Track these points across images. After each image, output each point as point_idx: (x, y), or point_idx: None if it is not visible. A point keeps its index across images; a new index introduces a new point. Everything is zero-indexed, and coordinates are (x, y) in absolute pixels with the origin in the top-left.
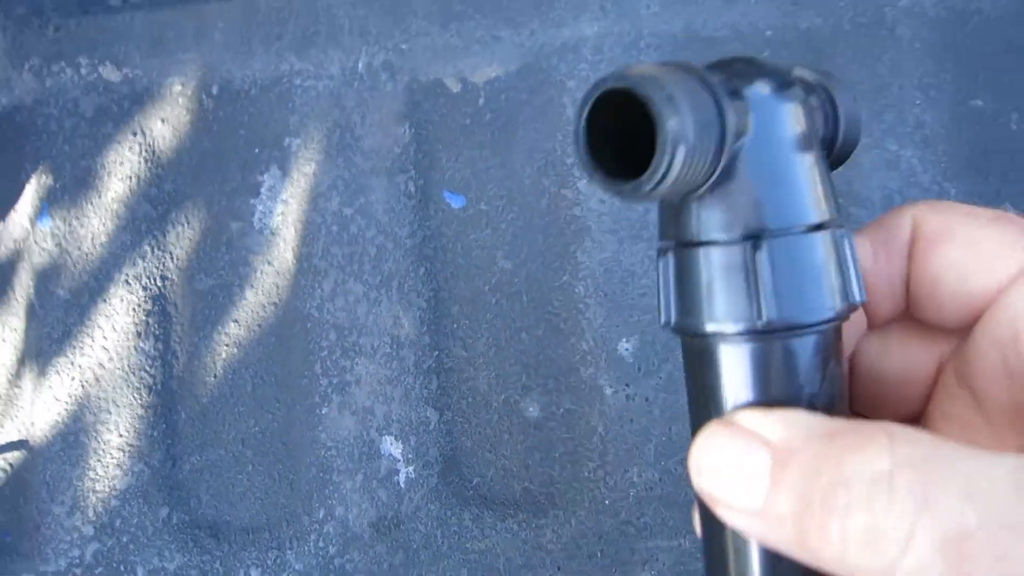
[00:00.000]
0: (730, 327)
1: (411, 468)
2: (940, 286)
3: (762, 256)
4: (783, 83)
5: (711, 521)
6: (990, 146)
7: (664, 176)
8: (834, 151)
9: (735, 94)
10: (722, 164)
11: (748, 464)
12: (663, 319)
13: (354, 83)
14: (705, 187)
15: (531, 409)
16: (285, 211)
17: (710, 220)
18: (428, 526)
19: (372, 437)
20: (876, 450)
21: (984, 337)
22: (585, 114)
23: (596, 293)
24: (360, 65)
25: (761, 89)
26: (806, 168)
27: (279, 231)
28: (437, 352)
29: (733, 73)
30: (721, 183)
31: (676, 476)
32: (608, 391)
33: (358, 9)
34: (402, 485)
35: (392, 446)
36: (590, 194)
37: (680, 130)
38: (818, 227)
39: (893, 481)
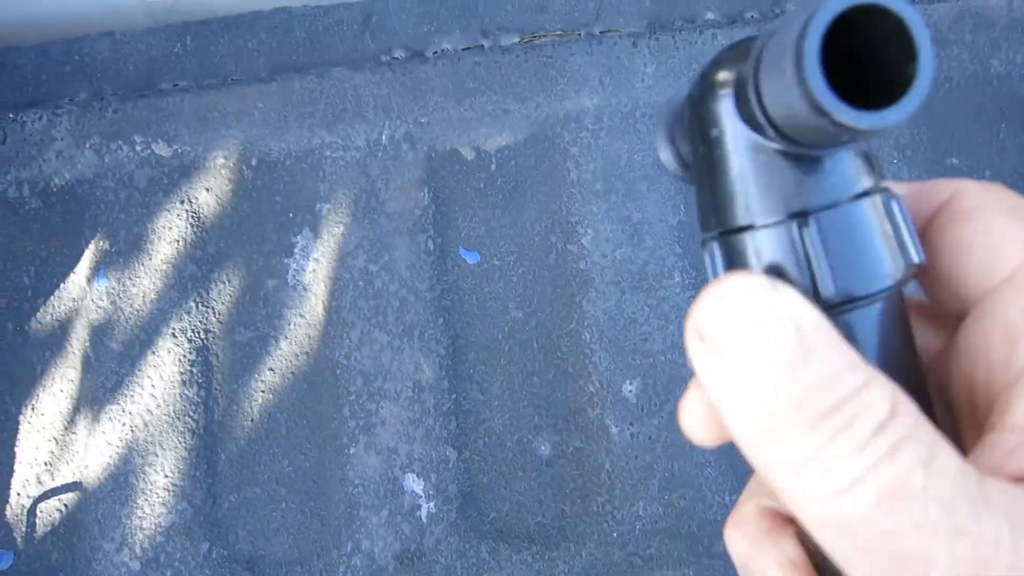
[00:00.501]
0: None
1: (432, 503)
2: (939, 267)
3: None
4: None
5: None
6: None
7: (920, 95)
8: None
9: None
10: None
11: (772, 331)
12: (826, 292)
13: (378, 153)
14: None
15: (543, 448)
16: (316, 268)
17: (857, 171)
18: (448, 558)
19: (396, 475)
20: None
21: (963, 342)
22: (823, 31)
23: (601, 339)
24: (383, 137)
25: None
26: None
27: (311, 287)
28: (455, 395)
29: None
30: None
31: (679, 509)
32: (614, 430)
33: (382, 88)
34: (424, 520)
35: (414, 483)
36: (593, 248)
37: (932, 45)
38: (864, 194)
39: (896, 445)
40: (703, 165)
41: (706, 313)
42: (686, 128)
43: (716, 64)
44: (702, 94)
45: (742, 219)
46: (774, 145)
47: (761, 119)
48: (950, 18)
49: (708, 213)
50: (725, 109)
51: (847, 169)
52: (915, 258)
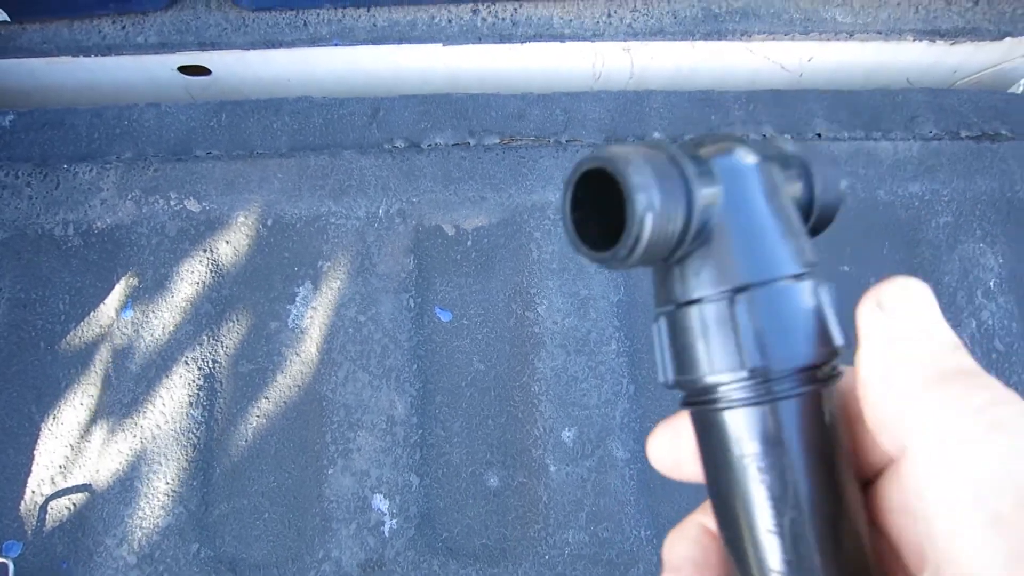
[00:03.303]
0: (724, 377)
1: (395, 521)
2: (864, 419)
3: (741, 308)
4: (749, 154)
5: (718, 460)
6: (853, 301)
7: (636, 243)
8: (812, 216)
9: (704, 167)
10: (693, 230)
11: None
12: (662, 378)
13: (375, 224)
14: (681, 252)
15: (492, 480)
16: (313, 315)
17: (693, 280)
18: (405, 569)
19: (366, 494)
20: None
21: (884, 490)
22: (569, 193)
23: (547, 392)
24: (380, 211)
25: (728, 161)
26: (777, 227)
27: (307, 330)
28: (422, 430)
29: (704, 148)
30: (699, 247)
31: (602, 539)
32: (552, 468)
33: (382, 171)
34: (387, 534)
35: (381, 502)
36: (546, 316)
37: (647, 201)
38: (796, 277)
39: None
40: None
41: (890, 292)
42: None
43: None
44: None
45: (684, 296)
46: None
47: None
48: (848, 154)
49: (658, 291)
50: None
51: (779, 254)
52: (837, 341)
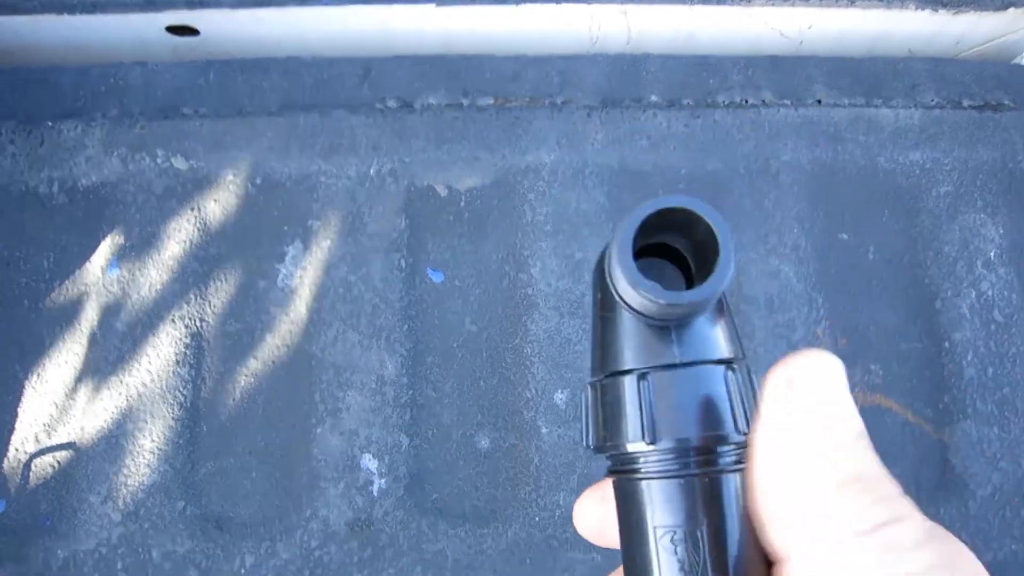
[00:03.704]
0: (637, 447)
1: (384, 481)
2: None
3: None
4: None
5: (630, 520)
6: (852, 269)
7: (722, 284)
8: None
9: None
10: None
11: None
12: (584, 443)
13: (365, 183)
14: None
15: (483, 441)
16: (302, 275)
17: (708, 343)
18: (393, 528)
19: (354, 454)
20: None
21: None
22: (636, 226)
23: (540, 354)
24: (371, 171)
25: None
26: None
27: (296, 290)
28: (412, 391)
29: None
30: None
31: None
32: (544, 431)
33: (373, 130)
34: (375, 494)
35: (370, 462)
36: (540, 278)
37: (733, 252)
38: (719, 362)
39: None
40: (594, 322)
41: (803, 362)
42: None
43: (607, 247)
44: (598, 267)
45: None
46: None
47: (616, 298)
48: (848, 120)
49: (617, 356)
50: (603, 285)
51: (695, 339)
52: (728, 429)
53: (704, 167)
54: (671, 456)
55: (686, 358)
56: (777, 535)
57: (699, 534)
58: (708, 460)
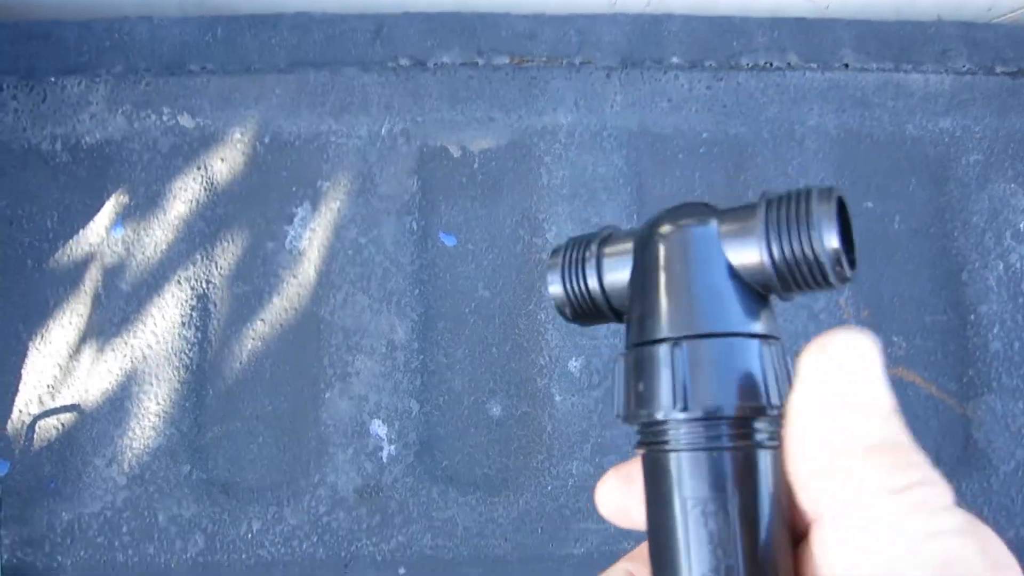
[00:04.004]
0: (673, 415)
1: (393, 447)
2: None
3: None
4: (666, 222)
5: (659, 498)
6: (877, 238)
7: (558, 308)
8: (779, 276)
9: (621, 246)
10: (604, 303)
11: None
12: (617, 412)
13: (377, 143)
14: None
15: (495, 409)
16: (312, 237)
17: (658, 323)
18: (403, 495)
19: (364, 419)
20: None
21: (800, 558)
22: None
23: (554, 321)
24: (383, 130)
25: (647, 231)
26: (732, 291)
27: (305, 252)
28: (423, 356)
29: (647, 224)
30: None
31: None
32: (558, 399)
33: (386, 89)
34: (385, 460)
35: (379, 428)
36: (555, 243)
37: (554, 283)
38: (751, 336)
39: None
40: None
41: (840, 340)
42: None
43: (695, 210)
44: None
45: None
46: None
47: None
48: (876, 85)
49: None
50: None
51: (770, 313)
52: (762, 401)
53: (726, 131)
54: (704, 428)
55: (726, 328)
56: (809, 499)
57: (730, 507)
58: (742, 433)
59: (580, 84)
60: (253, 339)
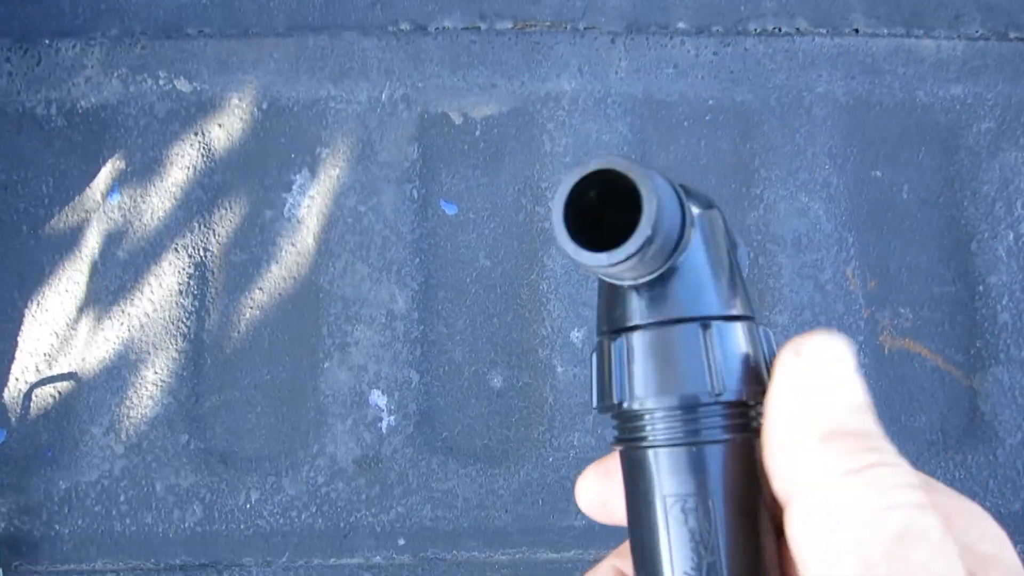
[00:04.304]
0: (651, 404)
1: (392, 418)
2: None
3: (712, 334)
4: (711, 206)
5: (639, 499)
6: (884, 208)
7: (641, 248)
8: None
9: (690, 198)
10: (672, 261)
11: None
12: (595, 404)
13: (377, 109)
14: (650, 278)
15: (495, 380)
16: (311, 205)
17: (648, 306)
18: (402, 466)
19: (363, 390)
20: None
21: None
22: (568, 189)
23: (556, 291)
24: (383, 96)
25: (704, 210)
26: (731, 272)
27: (304, 220)
28: (423, 326)
29: (686, 193)
30: (663, 279)
31: (609, 443)
32: (559, 369)
33: (386, 53)
34: (384, 431)
35: (379, 398)
36: None
37: (659, 215)
38: (741, 319)
39: None
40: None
41: (811, 344)
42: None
43: None
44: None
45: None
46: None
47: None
48: (886, 51)
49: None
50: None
51: (726, 296)
52: (698, 388)
53: (733, 98)
54: (678, 422)
55: (655, 318)
56: (780, 486)
57: (711, 503)
58: (722, 426)
59: (584, 50)
60: (251, 308)
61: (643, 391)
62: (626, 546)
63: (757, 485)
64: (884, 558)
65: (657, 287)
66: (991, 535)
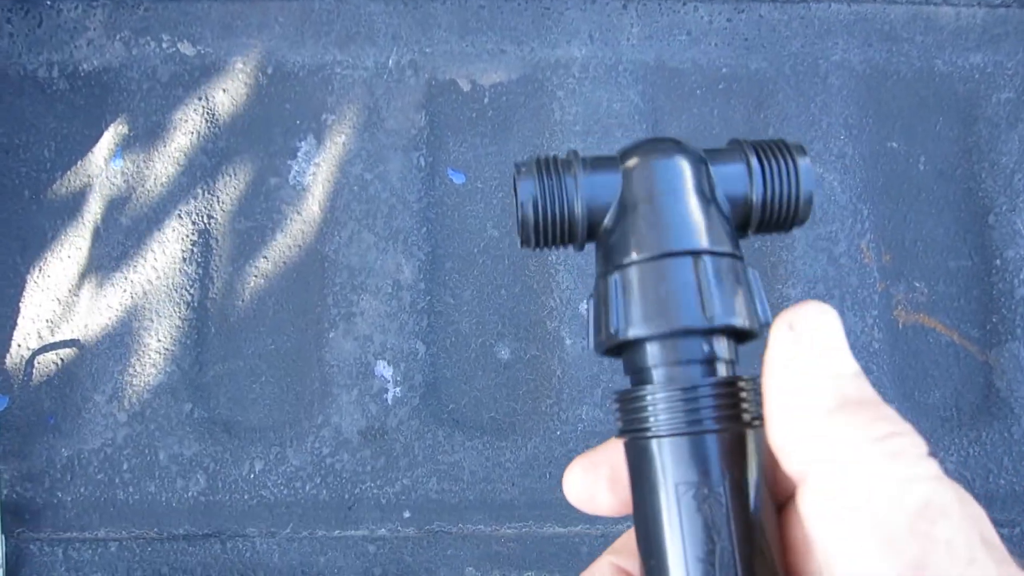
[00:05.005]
0: (642, 331)
1: (398, 389)
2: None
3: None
4: (661, 151)
5: (645, 495)
6: (900, 180)
7: (523, 232)
8: (758, 212)
9: (611, 169)
10: (583, 223)
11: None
12: (591, 344)
13: (384, 75)
14: (602, 230)
15: (503, 352)
16: (316, 172)
17: (614, 252)
18: (408, 438)
19: (368, 360)
20: None
21: (785, 523)
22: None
23: (565, 261)
24: (390, 62)
25: (636, 158)
26: (680, 210)
27: (309, 188)
28: (430, 297)
29: (627, 152)
30: (609, 231)
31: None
32: (568, 342)
33: (393, 18)
34: (390, 402)
35: (384, 369)
36: None
37: (526, 205)
38: (683, 254)
39: None
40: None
41: (801, 315)
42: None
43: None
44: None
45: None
46: None
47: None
48: (904, 18)
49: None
50: None
51: (672, 233)
52: (694, 318)
53: (747, 66)
54: (680, 412)
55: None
56: (793, 464)
57: (722, 489)
58: (726, 415)
59: (595, 15)
60: (255, 276)
61: (638, 317)
62: (622, 542)
63: (762, 471)
64: (907, 533)
65: (616, 235)
66: (976, 512)
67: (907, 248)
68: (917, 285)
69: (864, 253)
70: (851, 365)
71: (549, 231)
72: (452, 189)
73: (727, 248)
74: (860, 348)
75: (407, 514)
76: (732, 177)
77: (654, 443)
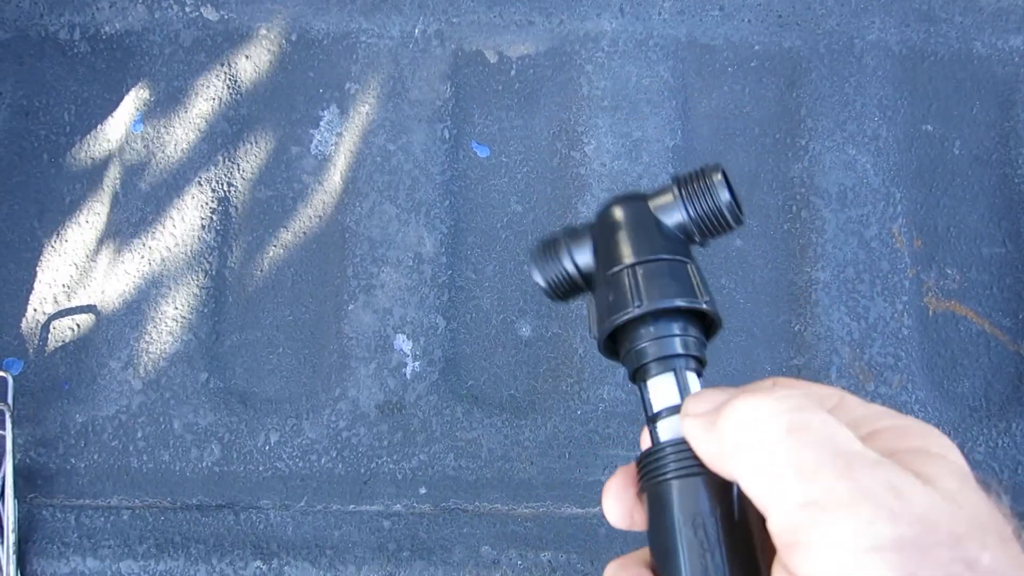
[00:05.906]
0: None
1: (417, 363)
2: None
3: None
4: (608, 208)
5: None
6: (935, 164)
7: (544, 290)
8: (701, 228)
9: (585, 234)
10: (583, 265)
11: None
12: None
13: (409, 45)
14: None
15: (524, 329)
16: (338, 142)
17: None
18: (426, 413)
19: (388, 333)
20: None
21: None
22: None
23: None
24: (416, 31)
25: (599, 218)
26: (638, 236)
27: (331, 157)
28: (451, 271)
29: (598, 214)
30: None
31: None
32: None
33: None
34: (408, 377)
35: (404, 343)
36: (594, 157)
37: (537, 275)
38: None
39: None
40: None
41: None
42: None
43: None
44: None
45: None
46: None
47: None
48: None
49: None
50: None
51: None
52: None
53: (780, 44)
54: (687, 455)
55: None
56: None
57: (715, 516)
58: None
59: None
60: (275, 246)
61: (647, 295)
62: (631, 557)
63: (757, 515)
64: (780, 444)
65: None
66: (939, 443)
67: (940, 233)
68: (949, 272)
69: (896, 237)
70: (830, 431)
71: (563, 292)
72: (476, 162)
73: (656, 256)
74: (889, 334)
75: (423, 490)
76: (666, 206)
77: (659, 487)
